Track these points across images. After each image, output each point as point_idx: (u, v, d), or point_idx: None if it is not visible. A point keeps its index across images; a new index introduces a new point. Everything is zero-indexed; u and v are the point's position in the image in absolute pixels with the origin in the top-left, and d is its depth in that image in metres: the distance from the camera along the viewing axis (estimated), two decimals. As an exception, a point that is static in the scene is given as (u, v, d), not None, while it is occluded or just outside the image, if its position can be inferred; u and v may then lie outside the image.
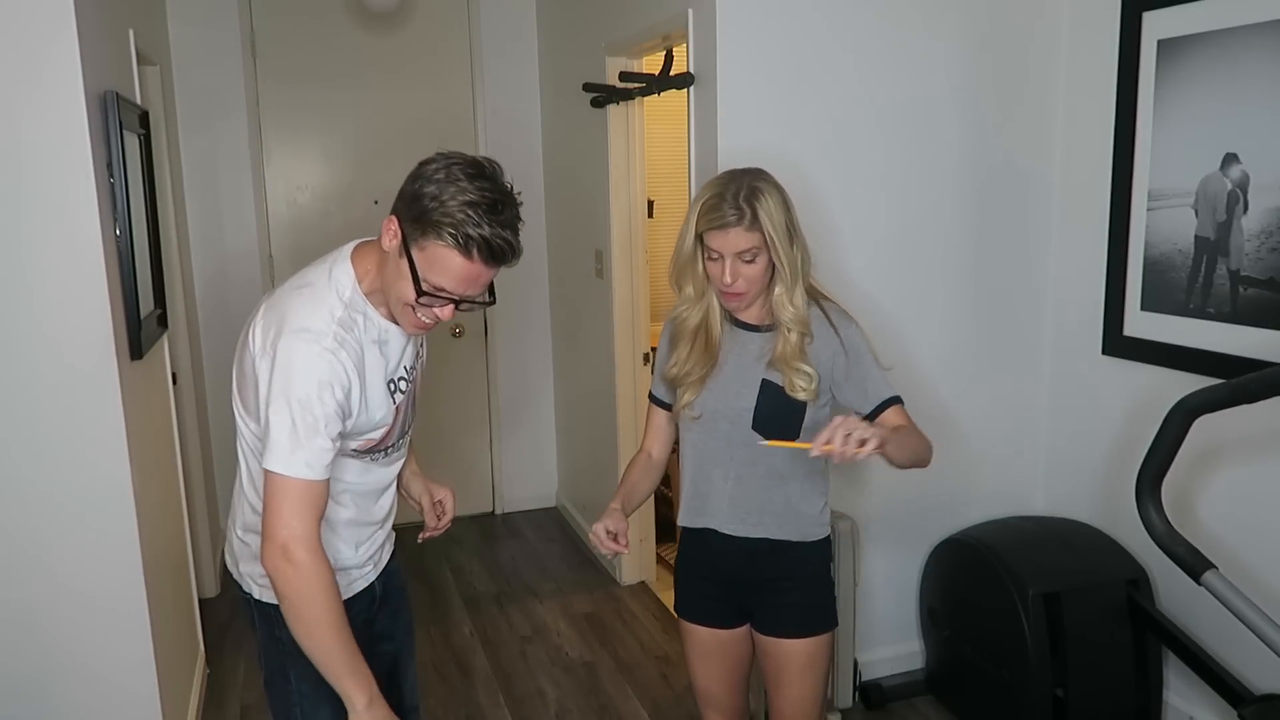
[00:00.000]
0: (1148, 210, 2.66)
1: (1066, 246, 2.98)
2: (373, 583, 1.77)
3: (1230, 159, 2.42)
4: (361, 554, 1.71)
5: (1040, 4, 2.89)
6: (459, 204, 1.39)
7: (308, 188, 4.31)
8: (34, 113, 2.06)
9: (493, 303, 1.55)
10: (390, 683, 1.85)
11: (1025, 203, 2.98)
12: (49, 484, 2.18)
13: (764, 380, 1.86)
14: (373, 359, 1.54)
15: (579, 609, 3.71)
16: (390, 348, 1.58)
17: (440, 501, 1.92)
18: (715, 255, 1.81)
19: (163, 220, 3.17)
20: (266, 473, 1.46)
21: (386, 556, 1.83)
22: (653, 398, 2.07)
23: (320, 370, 1.45)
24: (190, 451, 3.59)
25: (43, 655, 2.22)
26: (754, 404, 1.87)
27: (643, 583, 3.89)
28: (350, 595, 1.70)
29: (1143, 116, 2.64)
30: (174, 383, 3.16)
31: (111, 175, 2.28)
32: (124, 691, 2.31)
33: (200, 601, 3.32)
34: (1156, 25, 2.58)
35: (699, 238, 1.83)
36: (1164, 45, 2.56)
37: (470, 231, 1.39)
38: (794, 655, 1.94)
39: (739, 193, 1.77)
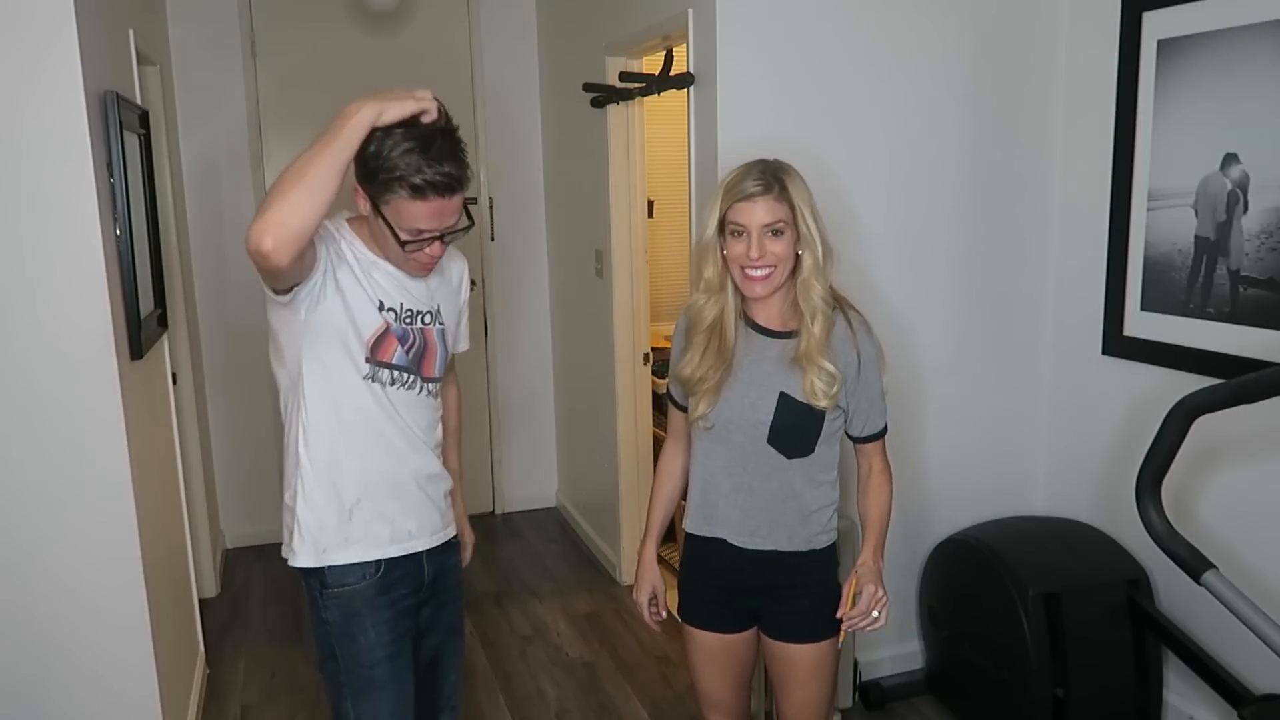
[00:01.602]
0: (1148, 210, 2.66)
1: (1066, 246, 2.98)
2: (420, 556, 1.79)
3: (1230, 159, 2.42)
4: (399, 509, 1.76)
5: (1040, 4, 2.89)
6: (398, 155, 1.53)
7: (308, 188, 4.30)
8: (34, 113, 2.06)
9: (471, 225, 1.68)
10: (428, 679, 1.86)
11: (1025, 202, 2.98)
12: (49, 484, 2.17)
13: (781, 393, 1.83)
14: (353, 268, 1.65)
15: (579, 609, 3.71)
16: (380, 274, 1.68)
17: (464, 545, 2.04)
18: (740, 229, 1.78)
19: (163, 220, 3.17)
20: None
21: (442, 534, 1.84)
22: (671, 399, 2.03)
23: None
24: (190, 451, 3.59)
25: (42, 655, 2.22)
26: (770, 417, 1.84)
27: (643, 583, 3.89)
28: (387, 556, 1.73)
29: (1143, 116, 2.64)
30: (174, 383, 3.16)
31: (111, 175, 2.28)
32: (124, 692, 2.31)
33: (200, 601, 3.32)
34: (1156, 25, 2.58)
35: (721, 222, 1.81)
36: (1164, 45, 2.56)
37: (414, 180, 1.53)
38: (801, 660, 1.93)
39: (765, 169, 1.80)
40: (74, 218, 2.12)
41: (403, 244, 1.60)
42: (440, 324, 1.78)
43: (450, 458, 2.00)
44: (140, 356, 2.41)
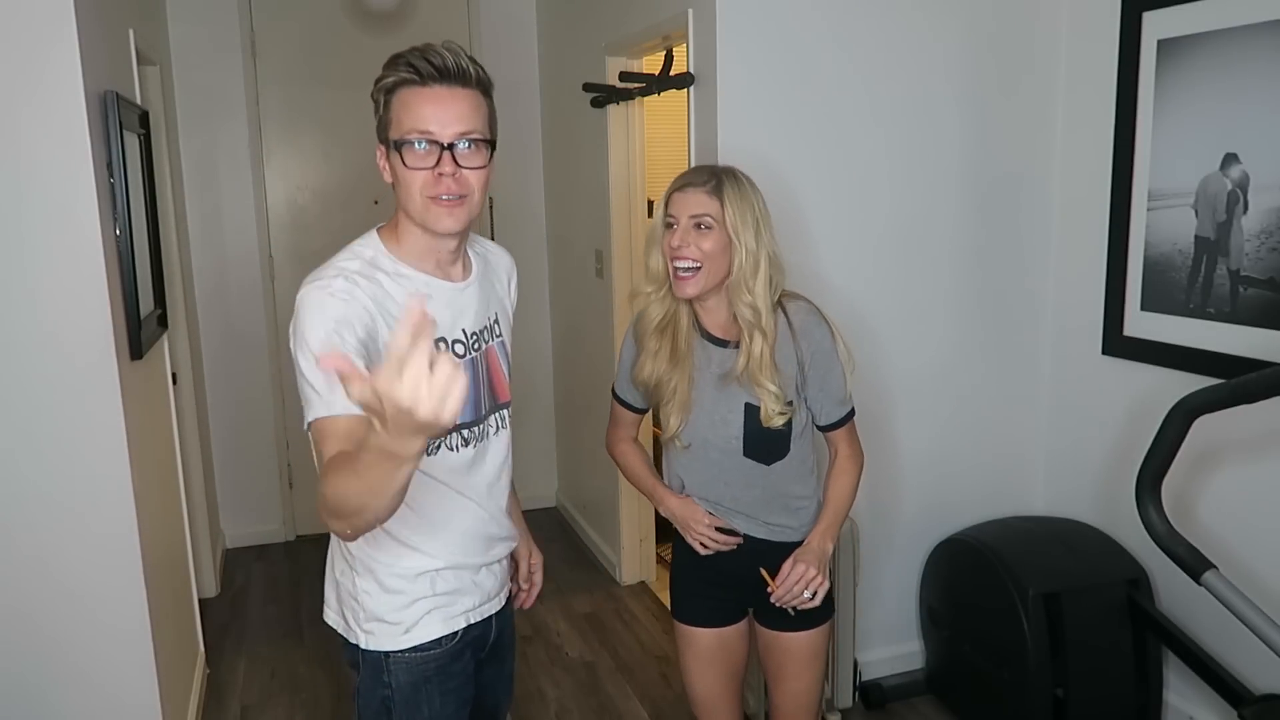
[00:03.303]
0: (1148, 210, 2.66)
1: (1066, 247, 2.97)
2: (490, 619, 1.64)
3: (1230, 159, 2.42)
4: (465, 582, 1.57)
5: (1040, 4, 2.89)
6: (394, 59, 1.41)
7: (308, 188, 4.31)
8: (34, 113, 2.06)
9: (493, 146, 1.45)
10: None
11: (1025, 203, 2.98)
12: (49, 484, 2.17)
13: (746, 404, 1.84)
14: (403, 307, 1.40)
15: (579, 609, 3.71)
16: (434, 305, 1.42)
17: (532, 567, 1.86)
18: (671, 220, 1.78)
19: (163, 220, 3.17)
20: (310, 426, 1.33)
21: (507, 589, 1.71)
22: (620, 399, 2.02)
23: (333, 309, 1.35)
24: (190, 451, 3.59)
25: (42, 656, 2.22)
26: (742, 431, 1.85)
27: (642, 583, 3.89)
28: (470, 622, 1.58)
29: (1143, 116, 2.64)
30: (174, 383, 3.16)
31: (111, 175, 2.28)
32: (124, 692, 2.31)
33: (200, 601, 3.32)
34: (1156, 25, 2.58)
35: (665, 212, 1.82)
36: (1164, 45, 2.56)
37: (412, 60, 1.38)
38: (796, 649, 1.95)
39: (711, 167, 1.83)
40: (74, 218, 2.12)
41: (404, 159, 1.38)
42: (499, 336, 1.60)
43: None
44: (140, 356, 2.41)
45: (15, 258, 2.09)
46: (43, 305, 2.12)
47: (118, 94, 2.34)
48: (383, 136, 1.44)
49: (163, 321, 2.91)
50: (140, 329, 2.42)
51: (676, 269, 1.78)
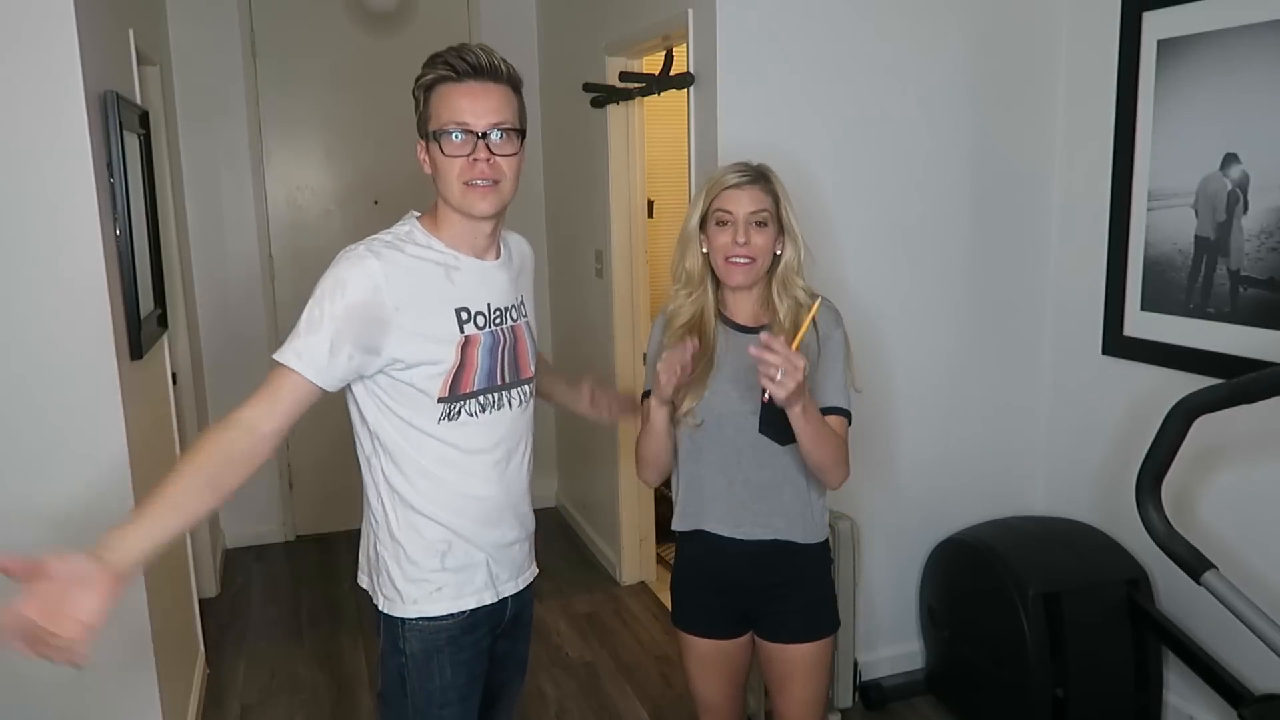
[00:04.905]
0: (1148, 210, 2.66)
1: (1066, 246, 2.98)
2: (507, 600, 1.73)
3: (1230, 159, 2.42)
4: (484, 555, 1.67)
5: (1040, 4, 2.89)
6: (432, 59, 1.55)
7: (308, 188, 4.31)
8: (34, 113, 2.06)
9: (523, 134, 1.59)
10: (486, 712, 1.80)
11: (1025, 203, 2.98)
12: (49, 484, 2.17)
13: None
14: (430, 276, 1.56)
15: (579, 609, 3.71)
16: (462, 275, 1.59)
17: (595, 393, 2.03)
18: (727, 218, 1.82)
19: (163, 220, 3.17)
20: (278, 366, 1.50)
21: (527, 574, 1.81)
22: (648, 394, 2.02)
23: (340, 270, 1.51)
24: (190, 451, 3.59)
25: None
26: (759, 408, 1.84)
27: (643, 583, 3.89)
28: (482, 604, 1.67)
29: (1143, 116, 2.64)
30: (174, 383, 3.16)
31: (111, 175, 2.28)
32: (124, 692, 2.31)
33: (200, 601, 3.32)
34: (1156, 25, 2.58)
35: (704, 218, 1.85)
36: (1164, 45, 2.56)
37: (449, 59, 1.53)
38: (798, 661, 1.94)
39: (749, 165, 1.86)
40: (74, 218, 2.12)
41: (443, 148, 1.52)
42: (525, 316, 1.72)
43: (559, 387, 2.03)
44: (140, 356, 2.41)
45: (15, 257, 2.08)
46: (43, 305, 2.12)
47: (118, 94, 2.34)
48: (422, 131, 1.57)
49: (163, 321, 2.91)
50: (140, 329, 2.42)
51: (734, 261, 1.82)
